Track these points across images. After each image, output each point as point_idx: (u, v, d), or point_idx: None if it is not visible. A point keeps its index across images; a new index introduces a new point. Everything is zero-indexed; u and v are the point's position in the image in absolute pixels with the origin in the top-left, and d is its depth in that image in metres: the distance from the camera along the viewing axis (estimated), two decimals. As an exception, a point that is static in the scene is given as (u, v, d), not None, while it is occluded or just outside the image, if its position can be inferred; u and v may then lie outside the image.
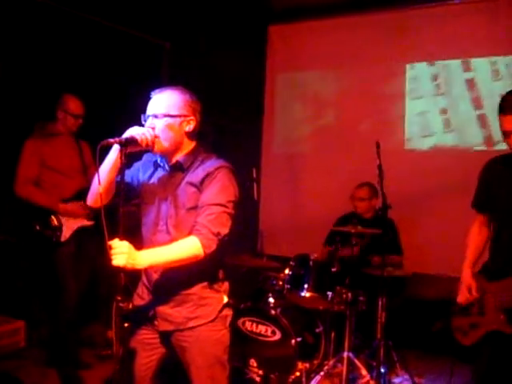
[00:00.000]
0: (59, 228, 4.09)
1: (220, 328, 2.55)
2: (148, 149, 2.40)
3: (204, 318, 2.50)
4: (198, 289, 2.50)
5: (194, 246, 2.33)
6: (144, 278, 2.59)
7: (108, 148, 2.34)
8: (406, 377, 4.22)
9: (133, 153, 2.39)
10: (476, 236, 3.04)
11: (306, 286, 4.21)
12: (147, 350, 2.56)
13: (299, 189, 6.21)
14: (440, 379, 4.33)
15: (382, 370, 4.01)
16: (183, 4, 5.60)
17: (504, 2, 5.18)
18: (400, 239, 4.83)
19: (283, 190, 6.27)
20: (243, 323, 4.19)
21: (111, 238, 2.17)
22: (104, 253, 2.18)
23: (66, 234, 4.12)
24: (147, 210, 2.54)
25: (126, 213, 2.23)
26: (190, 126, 2.46)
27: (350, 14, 5.91)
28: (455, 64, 5.44)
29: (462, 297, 2.94)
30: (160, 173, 2.55)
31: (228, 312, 2.59)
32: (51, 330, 4.34)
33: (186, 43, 5.98)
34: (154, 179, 2.55)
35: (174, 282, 2.47)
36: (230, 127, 6.09)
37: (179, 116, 2.43)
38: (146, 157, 2.63)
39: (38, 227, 4.09)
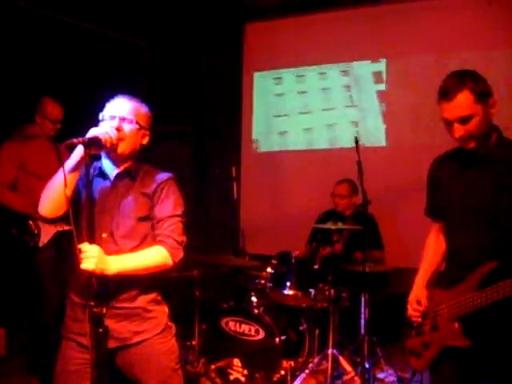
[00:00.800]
0: (37, 234, 4.04)
1: (168, 338, 2.54)
2: (111, 149, 2.34)
3: (150, 332, 2.47)
4: (144, 302, 2.46)
5: (162, 255, 2.39)
6: (74, 298, 2.46)
7: (72, 148, 2.28)
8: (391, 372, 4.24)
9: (96, 154, 2.37)
10: (432, 246, 2.71)
11: (288, 283, 4.21)
12: (78, 381, 2.40)
13: (279, 187, 6.20)
14: (425, 373, 4.34)
15: (367, 366, 4.03)
16: (158, 3, 5.57)
17: None
18: (380, 234, 4.84)
19: (263, 189, 6.26)
20: (226, 323, 4.17)
21: (80, 242, 2.15)
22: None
23: (43, 239, 4.06)
24: (97, 218, 2.35)
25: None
26: (146, 140, 2.53)
27: (326, 10, 5.91)
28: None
29: (410, 308, 2.63)
30: (99, 183, 2.48)
31: (171, 323, 2.59)
32: (32, 336, 4.28)
33: (161, 42, 5.95)
34: (93, 189, 2.45)
35: (119, 296, 2.40)
36: (209, 126, 6.07)
37: (144, 128, 2.49)
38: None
39: (14, 231, 4.03)
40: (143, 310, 2.46)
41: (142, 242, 2.43)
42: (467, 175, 2.45)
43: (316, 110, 6.05)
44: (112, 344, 2.36)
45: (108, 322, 2.25)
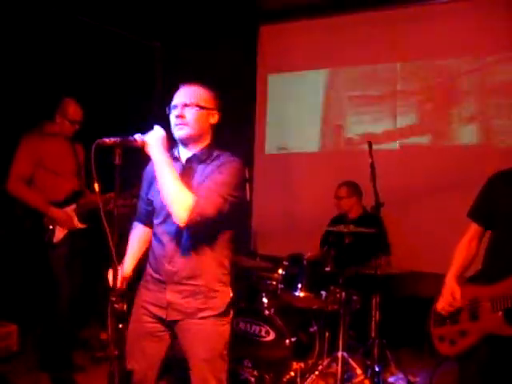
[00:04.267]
0: (52, 230, 4.07)
1: (224, 322, 2.62)
2: (143, 147, 2.44)
3: (214, 310, 2.57)
4: (209, 281, 2.57)
5: (189, 201, 2.38)
6: (150, 271, 2.63)
7: (103, 148, 2.34)
8: (401, 376, 4.22)
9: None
10: (465, 249, 2.91)
11: (299, 285, 4.20)
12: (155, 342, 2.63)
13: (292, 189, 6.20)
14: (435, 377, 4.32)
15: (377, 369, 4.02)
16: (174, 5, 5.60)
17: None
18: (388, 239, 4.81)
19: (276, 190, 6.26)
20: (237, 324, 4.17)
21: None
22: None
23: (58, 235, 4.10)
24: (161, 203, 2.54)
25: (121, 214, 2.24)
26: (214, 119, 2.65)
27: (341, 14, 5.91)
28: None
29: (444, 303, 2.84)
30: (174, 166, 2.56)
31: (231, 307, 2.67)
32: (45, 332, 4.31)
33: (177, 44, 5.98)
34: None
35: (186, 272, 2.54)
36: (222, 127, 6.07)
37: (207, 108, 2.59)
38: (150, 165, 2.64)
39: (29, 226, 4.07)
40: (208, 289, 2.56)
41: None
42: None
43: (329, 112, 6.05)
44: (177, 316, 2.55)
45: (175, 298, 2.53)
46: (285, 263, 4.37)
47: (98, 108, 4.69)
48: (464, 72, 5.36)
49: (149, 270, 2.65)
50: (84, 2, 5.02)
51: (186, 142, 2.59)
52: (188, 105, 2.54)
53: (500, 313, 2.59)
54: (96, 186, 2.30)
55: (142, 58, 5.66)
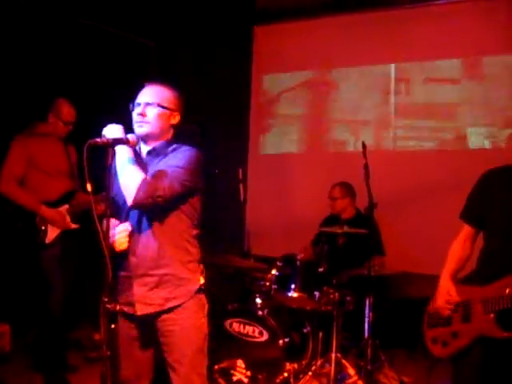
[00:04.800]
0: (44, 230, 4.06)
1: (200, 316, 2.65)
2: (134, 146, 2.54)
3: (182, 299, 2.59)
4: (175, 269, 2.59)
5: (137, 179, 2.45)
6: (120, 271, 2.61)
7: (95, 148, 2.37)
8: (394, 376, 4.23)
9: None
10: (459, 250, 2.90)
11: (293, 286, 4.21)
12: (138, 347, 2.66)
13: (286, 189, 6.21)
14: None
15: (370, 370, 4.02)
16: (169, 4, 5.59)
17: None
18: (382, 240, 4.82)
19: (270, 191, 6.27)
20: (230, 324, 4.18)
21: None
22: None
23: (50, 236, 4.09)
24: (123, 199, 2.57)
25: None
26: (175, 120, 2.70)
27: (336, 14, 5.92)
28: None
29: (441, 300, 2.82)
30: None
31: (205, 300, 2.70)
32: (37, 333, 4.30)
33: (171, 44, 5.98)
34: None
35: (149, 263, 2.56)
36: (216, 127, 6.08)
37: (169, 109, 2.65)
38: None
39: (20, 226, 4.05)
40: (175, 277, 2.59)
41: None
42: None
43: (324, 113, 6.06)
44: (147, 309, 2.56)
45: (141, 291, 2.55)
46: (278, 264, 4.37)
47: (89, 107, 4.67)
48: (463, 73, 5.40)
49: (119, 271, 2.63)
50: (79, 2, 5.01)
51: (145, 139, 2.65)
52: (150, 104, 2.60)
53: (491, 315, 2.58)
54: (88, 187, 2.30)
55: (136, 58, 5.65)
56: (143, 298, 2.56)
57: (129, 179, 2.46)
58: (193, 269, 2.66)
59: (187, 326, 2.59)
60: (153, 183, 2.45)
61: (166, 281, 2.57)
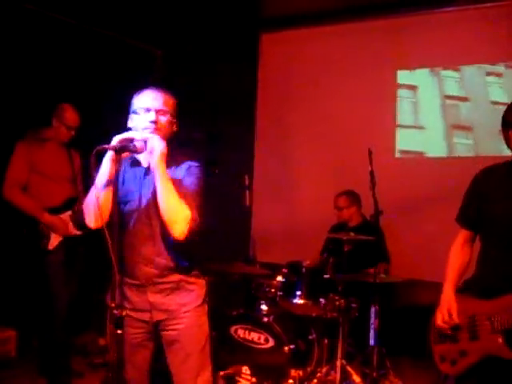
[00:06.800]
0: (47, 236, 4.06)
1: (201, 314, 2.68)
2: (141, 152, 2.44)
3: (193, 303, 2.64)
4: (185, 275, 2.62)
5: (186, 213, 2.43)
6: (124, 278, 2.56)
7: (102, 154, 2.35)
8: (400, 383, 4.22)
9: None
10: (458, 255, 2.80)
11: (298, 293, 4.20)
12: (141, 352, 2.67)
13: (292, 196, 6.21)
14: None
15: (376, 377, 4.01)
16: (175, 12, 5.61)
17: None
18: (387, 247, 4.82)
19: (276, 197, 6.27)
20: (236, 331, 4.18)
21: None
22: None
23: (53, 242, 4.09)
24: (129, 207, 2.57)
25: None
26: (175, 127, 2.64)
27: (341, 22, 5.94)
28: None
29: (440, 319, 2.70)
30: (135, 171, 2.60)
31: (207, 300, 2.73)
32: (42, 338, 4.30)
33: (177, 51, 5.99)
34: (129, 177, 2.61)
35: (163, 271, 2.57)
36: (222, 134, 6.09)
37: (174, 117, 2.62)
38: None
39: (23, 231, 4.07)
40: (186, 282, 2.62)
41: None
42: None
43: (330, 119, 6.06)
44: (163, 316, 2.59)
45: (157, 298, 2.56)
46: (284, 270, 4.38)
47: (93, 113, 4.68)
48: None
49: (126, 278, 2.58)
50: (84, 8, 5.03)
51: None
52: (161, 111, 2.55)
53: (500, 335, 2.48)
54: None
55: (142, 66, 5.67)
56: (159, 304, 2.58)
57: (177, 211, 2.42)
58: (198, 273, 2.70)
59: (191, 326, 2.62)
60: (195, 216, 2.45)
61: (180, 287, 2.61)
